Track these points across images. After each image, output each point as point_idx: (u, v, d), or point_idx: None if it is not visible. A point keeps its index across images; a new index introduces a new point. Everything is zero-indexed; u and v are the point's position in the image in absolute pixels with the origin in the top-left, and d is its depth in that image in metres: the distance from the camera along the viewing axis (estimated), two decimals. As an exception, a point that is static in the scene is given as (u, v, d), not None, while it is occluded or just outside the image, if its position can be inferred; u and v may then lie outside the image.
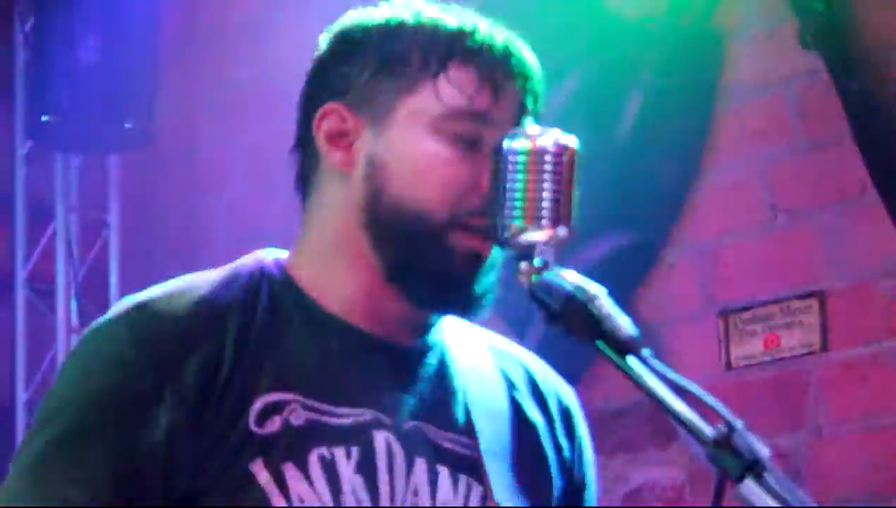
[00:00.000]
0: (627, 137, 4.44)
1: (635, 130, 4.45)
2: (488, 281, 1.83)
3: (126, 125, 5.22)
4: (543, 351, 4.35)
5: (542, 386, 1.97)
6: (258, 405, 1.77)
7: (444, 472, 1.85)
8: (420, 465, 1.83)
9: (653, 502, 4.51)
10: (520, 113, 1.83)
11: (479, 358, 1.94)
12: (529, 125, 1.82)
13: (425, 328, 1.88)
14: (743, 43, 4.44)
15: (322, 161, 1.88)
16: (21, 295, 5.46)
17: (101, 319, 1.86)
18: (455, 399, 1.90)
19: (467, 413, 1.90)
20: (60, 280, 5.44)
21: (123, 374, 1.78)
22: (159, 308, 1.82)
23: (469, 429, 1.89)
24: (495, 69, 1.83)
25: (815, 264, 4.26)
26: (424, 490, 1.83)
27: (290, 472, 1.76)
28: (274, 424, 1.77)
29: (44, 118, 5.19)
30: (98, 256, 5.59)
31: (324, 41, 1.92)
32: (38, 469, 1.78)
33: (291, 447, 1.77)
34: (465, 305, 1.84)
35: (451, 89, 1.81)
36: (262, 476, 1.75)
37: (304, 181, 1.92)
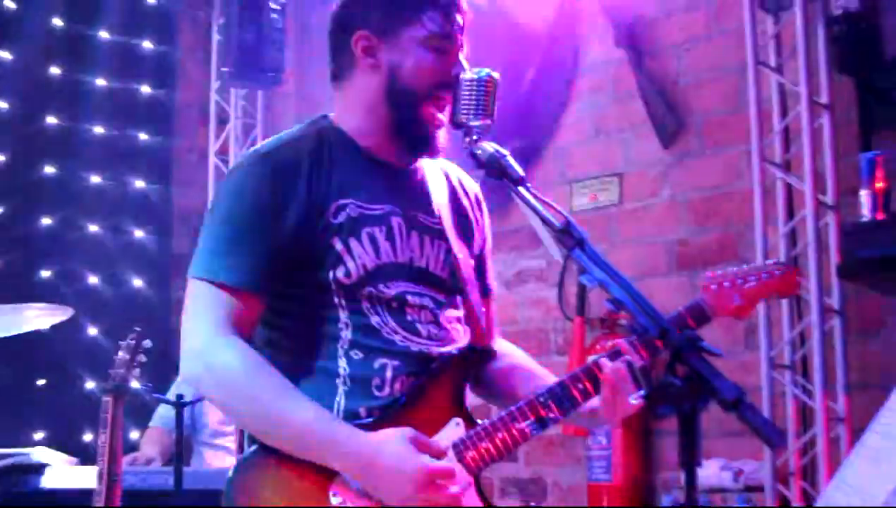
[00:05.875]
0: (526, 90, 4.39)
1: (531, 86, 4.42)
2: (443, 136, 1.77)
3: (268, 74, 5.02)
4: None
5: (467, 186, 1.92)
6: (332, 206, 1.69)
7: (426, 239, 1.78)
8: (414, 235, 1.76)
9: (530, 280, 4.39)
10: (461, 31, 1.77)
11: (437, 174, 1.87)
12: (473, 67, 1.75)
13: (414, 158, 1.82)
14: (588, 43, 4.39)
15: (356, 64, 1.77)
16: (212, 162, 5.31)
17: (242, 162, 1.75)
18: (429, 196, 1.83)
19: (435, 204, 1.83)
20: (233, 153, 5.26)
21: (265, 194, 1.66)
22: (276, 154, 1.70)
23: (437, 214, 1.82)
24: (449, 9, 1.76)
25: (617, 159, 4.26)
26: (416, 250, 1.76)
27: (353, 243, 1.69)
28: (341, 217, 1.69)
29: (223, 69, 5.06)
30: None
31: None
32: (228, 245, 1.65)
33: (352, 229, 1.69)
34: (431, 149, 1.77)
35: (430, 23, 1.73)
36: (339, 246, 1.68)
37: (341, 75, 1.80)
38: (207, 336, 1.62)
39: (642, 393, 1.63)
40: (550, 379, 1.82)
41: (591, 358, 1.77)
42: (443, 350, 1.74)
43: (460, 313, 1.81)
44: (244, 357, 1.62)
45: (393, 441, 1.58)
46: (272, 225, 1.66)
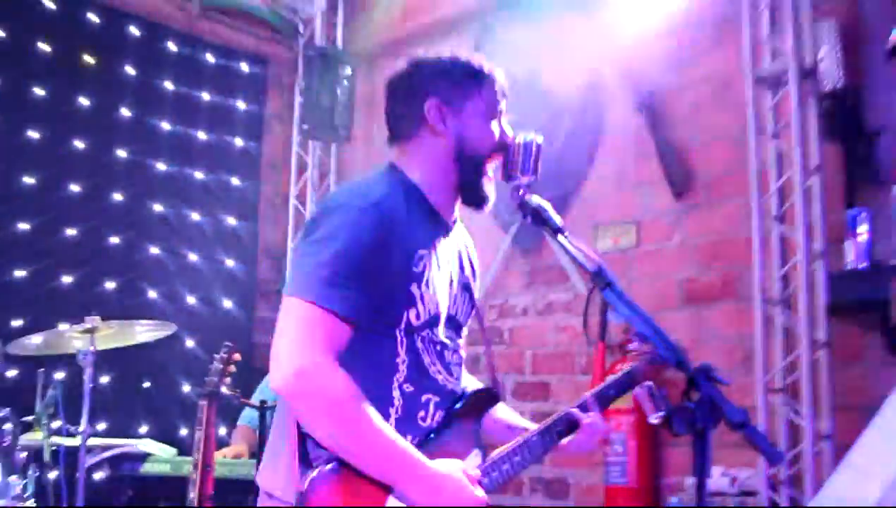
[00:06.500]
0: (559, 147, 4.45)
1: (564, 144, 4.47)
2: (492, 191, 1.81)
3: (340, 130, 5.06)
4: (516, 238, 4.46)
5: (472, 249, 1.93)
6: (415, 257, 1.67)
7: (459, 290, 1.80)
8: (454, 287, 1.78)
9: (559, 310, 4.42)
10: (504, 102, 1.82)
11: (461, 236, 1.88)
12: (520, 131, 1.79)
13: (456, 219, 1.85)
14: (612, 110, 4.41)
15: (424, 126, 1.77)
16: (292, 204, 5.38)
17: (354, 203, 1.64)
18: (460, 252, 1.85)
19: (464, 259, 1.86)
20: (309, 196, 5.36)
21: (379, 239, 1.62)
22: (384, 203, 1.65)
23: (466, 268, 1.85)
24: (498, 85, 1.81)
25: (634, 208, 4.28)
26: (454, 300, 1.78)
27: (425, 289, 1.68)
28: (420, 265, 1.68)
29: (303, 126, 5.11)
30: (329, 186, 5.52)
31: (417, 65, 1.80)
32: (342, 278, 1.58)
33: (427, 277, 1.69)
34: (486, 202, 1.80)
35: (488, 95, 1.78)
36: (416, 291, 1.67)
37: (405, 134, 1.79)
38: (315, 358, 1.53)
39: (662, 413, 1.75)
40: (512, 415, 1.94)
41: (614, 375, 1.94)
42: (462, 388, 1.80)
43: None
44: (348, 384, 1.56)
45: (454, 474, 1.62)
46: (380, 267, 1.61)
